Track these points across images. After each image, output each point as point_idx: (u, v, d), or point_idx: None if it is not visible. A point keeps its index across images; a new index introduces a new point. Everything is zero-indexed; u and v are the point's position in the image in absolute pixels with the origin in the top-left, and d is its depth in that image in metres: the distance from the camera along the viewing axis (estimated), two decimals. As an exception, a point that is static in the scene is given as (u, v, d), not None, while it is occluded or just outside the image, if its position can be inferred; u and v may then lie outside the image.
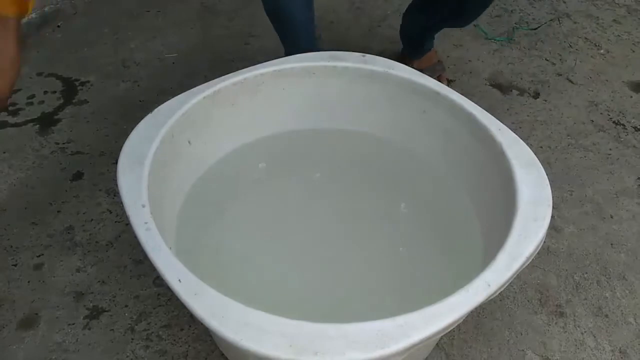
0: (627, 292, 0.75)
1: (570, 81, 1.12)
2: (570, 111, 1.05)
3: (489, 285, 0.45)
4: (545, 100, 1.08)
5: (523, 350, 0.68)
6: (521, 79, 1.14)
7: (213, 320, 0.41)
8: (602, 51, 1.23)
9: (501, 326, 0.70)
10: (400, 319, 0.42)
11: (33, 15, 1.24)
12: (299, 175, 0.57)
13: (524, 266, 0.49)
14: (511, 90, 1.11)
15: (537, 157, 0.58)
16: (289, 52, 0.91)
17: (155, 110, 0.62)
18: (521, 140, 0.60)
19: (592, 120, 1.04)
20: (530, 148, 0.59)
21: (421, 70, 0.70)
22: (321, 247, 0.68)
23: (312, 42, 0.93)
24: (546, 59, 1.20)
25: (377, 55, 0.74)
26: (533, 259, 0.50)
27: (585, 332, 0.70)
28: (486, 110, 0.65)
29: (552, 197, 0.54)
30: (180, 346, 0.66)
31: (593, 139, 1.00)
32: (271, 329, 0.41)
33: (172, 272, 0.45)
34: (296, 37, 0.91)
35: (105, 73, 1.12)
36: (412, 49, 1.12)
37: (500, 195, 0.59)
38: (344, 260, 0.68)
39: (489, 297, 0.45)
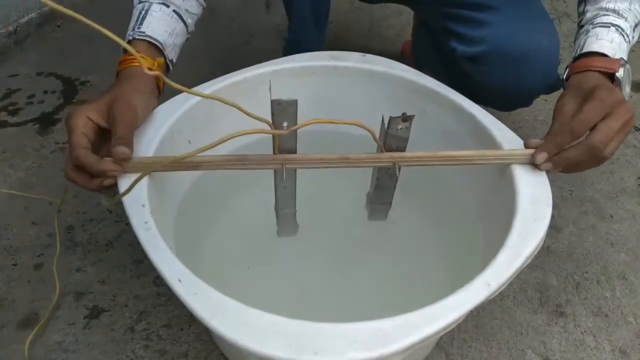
0: (627, 292, 0.75)
1: (570, 81, 1.12)
2: (570, 111, 1.04)
3: (489, 285, 0.45)
4: (545, 100, 1.08)
5: (523, 349, 0.68)
6: (521, 78, 1.14)
7: (213, 320, 0.41)
8: (602, 51, 1.22)
9: (501, 326, 0.70)
10: (400, 319, 0.42)
11: (33, 14, 1.24)
12: (299, 176, 0.57)
13: (524, 265, 0.49)
14: (511, 90, 1.11)
15: (537, 157, 0.58)
16: (293, 29, 0.88)
17: (155, 110, 0.62)
18: (521, 140, 0.60)
19: (592, 120, 1.04)
20: (531, 148, 0.59)
21: None
22: (322, 247, 0.68)
23: (320, 29, 0.89)
24: (546, 59, 1.19)
25: (377, 55, 0.74)
26: (533, 259, 0.50)
27: (585, 331, 0.70)
28: (486, 111, 0.66)
29: (552, 197, 0.54)
30: (180, 346, 0.66)
31: (593, 138, 1.00)
32: (271, 329, 0.41)
33: (172, 272, 0.45)
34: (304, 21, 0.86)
35: (105, 73, 1.12)
36: None
37: (500, 194, 0.59)
38: (344, 259, 0.68)
39: (489, 297, 0.45)
